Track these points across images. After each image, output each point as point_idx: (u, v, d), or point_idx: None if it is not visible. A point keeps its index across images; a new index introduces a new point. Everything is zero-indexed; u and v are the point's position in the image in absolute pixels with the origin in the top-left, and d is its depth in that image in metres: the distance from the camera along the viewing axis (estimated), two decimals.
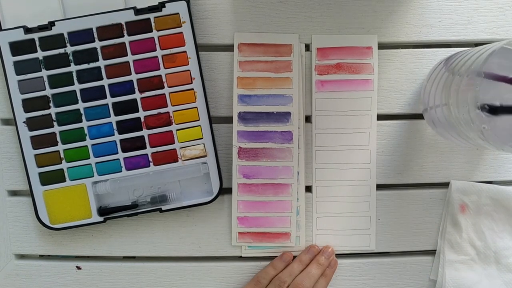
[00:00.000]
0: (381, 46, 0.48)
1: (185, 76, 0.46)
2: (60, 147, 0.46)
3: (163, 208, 0.46)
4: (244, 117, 0.47)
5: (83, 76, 0.45)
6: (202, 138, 0.46)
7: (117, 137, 0.46)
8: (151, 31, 0.45)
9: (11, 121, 0.47)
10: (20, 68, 0.45)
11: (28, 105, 0.45)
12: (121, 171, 0.46)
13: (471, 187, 0.48)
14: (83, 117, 0.45)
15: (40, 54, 0.45)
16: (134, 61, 0.45)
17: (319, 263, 0.47)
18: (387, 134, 0.48)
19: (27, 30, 0.44)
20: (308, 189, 0.49)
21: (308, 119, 0.48)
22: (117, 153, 0.46)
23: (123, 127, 0.46)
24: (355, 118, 0.48)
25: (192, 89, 0.46)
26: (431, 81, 0.43)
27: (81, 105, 0.45)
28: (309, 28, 0.47)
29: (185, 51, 0.45)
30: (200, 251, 0.49)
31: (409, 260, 0.49)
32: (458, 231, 0.48)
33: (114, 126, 0.46)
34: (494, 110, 0.32)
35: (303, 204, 0.48)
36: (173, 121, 0.46)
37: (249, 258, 0.49)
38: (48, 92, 0.45)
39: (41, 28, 0.44)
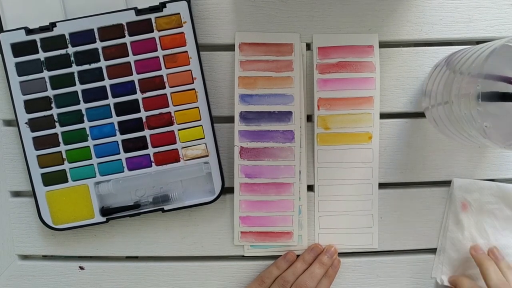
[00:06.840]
0: (382, 45, 0.47)
1: (186, 76, 0.46)
2: (62, 147, 0.46)
3: (165, 208, 0.46)
4: (246, 117, 0.47)
5: (84, 77, 0.45)
6: (203, 138, 0.46)
7: (119, 137, 0.46)
8: (152, 31, 0.45)
9: (13, 122, 0.47)
10: (22, 69, 0.45)
11: (30, 106, 0.45)
12: (123, 171, 0.46)
13: (473, 185, 0.48)
14: (85, 118, 0.46)
15: (41, 55, 0.45)
16: (136, 61, 0.45)
17: (322, 263, 0.47)
18: (389, 132, 0.48)
19: (29, 31, 0.44)
20: (310, 188, 0.49)
21: (309, 118, 0.48)
22: (119, 153, 0.46)
23: (125, 127, 0.46)
24: (357, 117, 0.48)
25: (194, 89, 0.46)
26: (432, 79, 0.43)
27: (82, 106, 0.45)
28: (310, 27, 0.47)
29: (186, 51, 0.45)
30: (202, 251, 0.49)
31: (412, 258, 0.49)
32: (460, 229, 0.48)
33: (116, 127, 0.46)
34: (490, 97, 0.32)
35: (305, 203, 0.48)
36: (174, 121, 0.46)
37: (252, 257, 0.49)
38: (50, 93, 0.45)
39: (42, 29, 0.44)
